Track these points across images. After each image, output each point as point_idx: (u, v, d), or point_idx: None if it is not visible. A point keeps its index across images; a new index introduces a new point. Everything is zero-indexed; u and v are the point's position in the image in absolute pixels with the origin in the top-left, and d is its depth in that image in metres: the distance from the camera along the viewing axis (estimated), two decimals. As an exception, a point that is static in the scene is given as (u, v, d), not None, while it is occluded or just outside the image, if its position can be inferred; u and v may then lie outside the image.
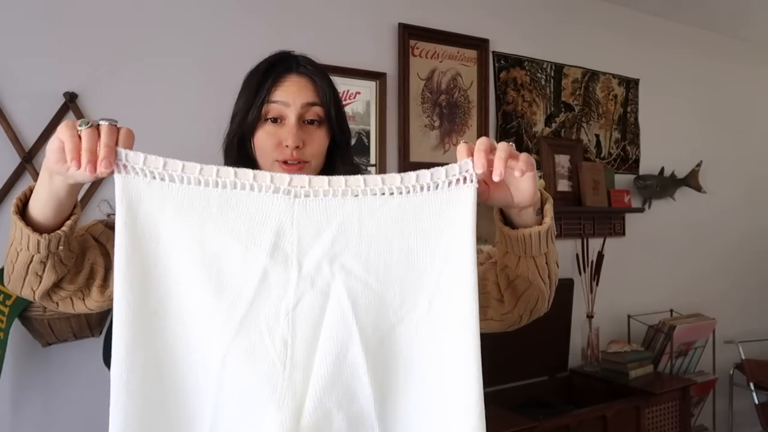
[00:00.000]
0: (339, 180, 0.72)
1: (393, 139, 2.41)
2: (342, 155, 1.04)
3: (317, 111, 0.97)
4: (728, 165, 3.61)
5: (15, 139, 1.74)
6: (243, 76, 1.03)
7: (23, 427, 1.75)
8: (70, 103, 1.81)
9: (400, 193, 0.71)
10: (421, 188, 0.71)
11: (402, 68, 2.42)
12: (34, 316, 1.59)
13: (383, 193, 0.71)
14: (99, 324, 1.71)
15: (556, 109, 2.91)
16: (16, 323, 1.60)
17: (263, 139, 0.97)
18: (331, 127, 0.99)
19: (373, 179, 0.72)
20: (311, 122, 0.97)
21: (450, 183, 0.71)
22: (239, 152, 1.00)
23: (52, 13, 1.81)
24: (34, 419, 1.77)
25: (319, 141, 0.98)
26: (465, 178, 0.72)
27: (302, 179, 0.71)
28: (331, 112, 0.98)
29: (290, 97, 0.95)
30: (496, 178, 0.72)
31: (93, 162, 0.71)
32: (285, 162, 0.95)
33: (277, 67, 0.98)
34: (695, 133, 3.47)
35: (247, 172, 0.71)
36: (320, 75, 0.99)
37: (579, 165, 2.90)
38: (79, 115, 1.83)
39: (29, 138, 1.77)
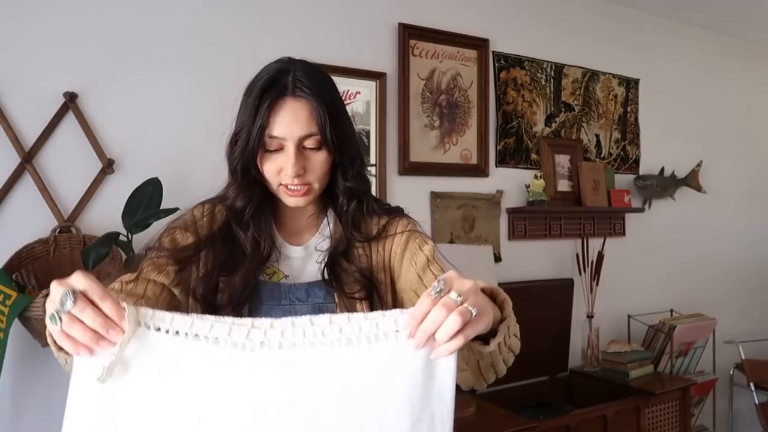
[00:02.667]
0: (290, 332, 0.73)
1: (393, 139, 2.41)
2: (343, 172, 1.03)
3: (314, 139, 0.96)
4: (728, 165, 3.61)
5: (15, 139, 1.74)
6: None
7: (23, 427, 1.75)
8: (70, 103, 1.81)
9: (349, 343, 0.72)
10: (368, 339, 0.72)
11: (402, 68, 2.42)
12: (34, 316, 1.58)
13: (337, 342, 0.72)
14: (99, 324, 1.71)
15: (556, 109, 2.91)
16: (16, 323, 1.60)
17: (266, 166, 0.98)
18: (332, 148, 0.98)
19: (325, 328, 0.72)
20: (311, 147, 0.98)
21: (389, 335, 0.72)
22: (246, 172, 1.00)
23: (52, 13, 1.81)
24: (34, 419, 1.77)
25: (320, 165, 0.98)
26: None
27: (258, 333, 0.72)
28: (329, 136, 0.96)
29: (286, 131, 0.95)
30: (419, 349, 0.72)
31: (98, 340, 0.70)
32: (287, 186, 0.98)
33: (272, 90, 0.96)
34: (695, 133, 3.47)
35: (203, 324, 0.72)
36: (318, 94, 0.96)
37: (579, 165, 2.90)
38: (79, 115, 1.83)
39: (29, 138, 1.78)
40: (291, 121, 0.95)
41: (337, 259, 1.02)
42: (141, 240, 1.75)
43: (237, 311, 0.95)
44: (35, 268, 1.75)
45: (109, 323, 0.68)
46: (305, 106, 0.95)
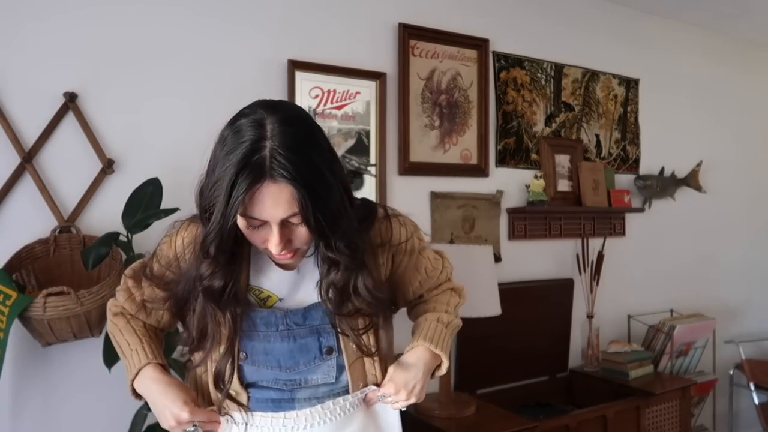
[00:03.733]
0: None
1: (393, 139, 2.41)
2: (327, 244, 0.98)
3: (296, 219, 0.91)
4: (728, 165, 3.61)
5: (15, 139, 1.74)
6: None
7: (23, 426, 1.75)
8: (70, 103, 1.81)
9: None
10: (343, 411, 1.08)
11: (402, 68, 2.42)
12: (34, 316, 1.59)
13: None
14: (99, 324, 1.71)
15: (556, 109, 2.91)
16: (16, 323, 1.60)
17: (248, 235, 0.94)
18: (314, 229, 0.92)
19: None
20: (295, 223, 0.93)
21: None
22: (221, 251, 0.96)
23: (52, 13, 1.81)
24: (34, 419, 1.77)
25: (305, 236, 0.94)
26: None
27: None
28: (311, 219, 0.90)
29: (267, 213, 0.89)
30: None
31: None
32: (274, 254, 0.96)
33: (247, 171, 0.86)
34: (695, 133, 3.47)
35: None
36: (299, 174, 0.86)
37: (579, 165, 2.90)
38: (79, 115, 1.83)
39: (29, 138, 1.78)
40: (271, 206, 0.88)
41: (334, 281, 1.01)
42: (141, 240, 1.75)
43: (231, 347, 1.03)
44: (35, 268, 1.75)
45: None
46: (284, 190, 0.87)
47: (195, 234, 1.03)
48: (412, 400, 1.07)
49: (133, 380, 1.07)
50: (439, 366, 1.12)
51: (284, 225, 0.91)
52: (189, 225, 1.06)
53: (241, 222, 0.91)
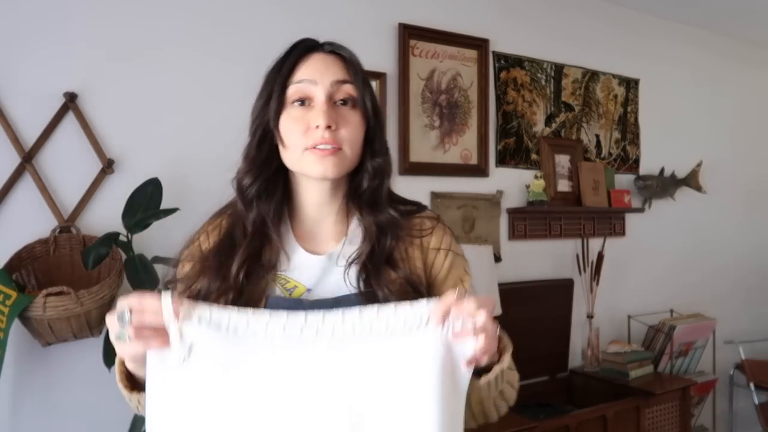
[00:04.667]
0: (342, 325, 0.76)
1: (393, 139, 2.41)
2: (372, 149, 0.91)
3: (349, 90, 0.86)
4: (728, 165, 3.61)
5: (15, 139, 1.74)
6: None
7: (23, 427, 1.75)
8: (70, 103, 1.81)
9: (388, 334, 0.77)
10: (410, 329, 0.76)
11: (402, 68, 2.42)
12: (34, 316, 1.58)
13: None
14: (99, 324, 1.71)
15: (556, 109, 2.91)
16: (16, 323, 1.60)
17: (289, 126, 0.85)
18: (365, 112, 0.88)
19: (364, 324, 0.77)
20: (343, 103, 0.86)
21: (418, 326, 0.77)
22: (262, 153, 0.88)
23: (52, 13, 1.81)
24: (34, 419, 1.77)
25: (354, 124, 0.86)
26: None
27: (311, 331, 0.76)
28: (364, 93, 0.87)
29: (317, 74, 0.84)
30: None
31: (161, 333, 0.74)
32: (315, 147, 0.84)
33: (299, 46, 0.88)
34: (695, 133, 3.47)
35: (259, 321, 0.75)
36: (349, 53, 0.90)
37: (579, 165, 2.90)
38: (79, 115, 1.83)
39: (29, 138, 1.77)
40: (322, 67, 0.86)
41: (374, 269, 0.87)
42: (141, 240, 1.75)
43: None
44: (35, 268, 1.75)
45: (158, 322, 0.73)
46: (338, 58, 0.88)
47: (218, 225, 0.93)
48: (482, 343, 0.73)
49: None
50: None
51: (332, 105, 0.85)
52: (212, 219, 0.96)
53: (283, 118, 0.86)
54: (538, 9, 2.85)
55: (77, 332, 1.67)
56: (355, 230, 0.92)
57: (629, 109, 3.19)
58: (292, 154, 0.86)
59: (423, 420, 0.73)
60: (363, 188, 0.91)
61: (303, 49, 0.88)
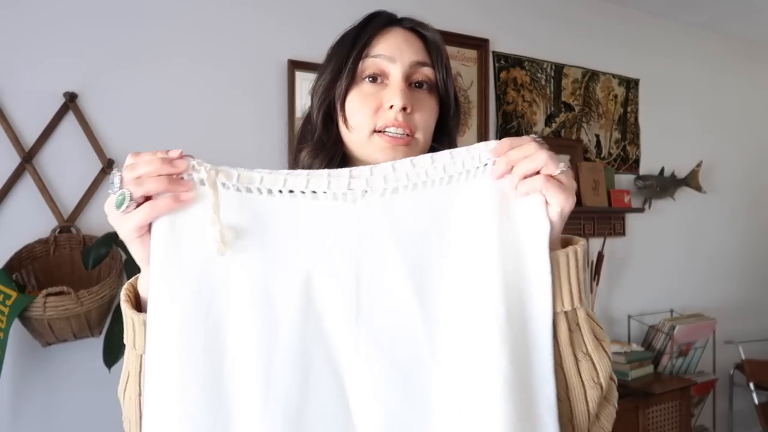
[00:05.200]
0: (400, 168, 0.66)
1: (393, 139, 2.40)
2: (448, 139, 0.83)
3: (428, 73, 0.78)
4: (728, 165, 3.61)
5: (15, 139, 1.74)
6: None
7: (23, 427, 1.75)
8: (70, 103, 1.81)
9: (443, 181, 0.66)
10: (466, 175, 0.66)
11: (402, 68, 2.42)
12: (34, 316, 1.59)
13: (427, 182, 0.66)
14: (99, 324, 1.71)
15: (556, 109, 2.91)
16: (16, 323, 1.60)
17: (357, 103, 0.76)
18: (443, 98, 0.80)
19: (421, 164, 0.66)
20: (419, 86, 0.78)
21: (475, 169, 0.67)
22: (330, 134, 0.79)
23: (52, 12, 1.81)
24: (34, 419, 1.77)
25: (430, 108, 0.78)
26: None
27: (359, 182, 0.65)
28: (444, 78, 0.79)
29: (396, 51, 0.76)
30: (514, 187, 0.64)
31: (176, 184, 0.61)
32: (385, 131, 0.75)
33: (377, 19, 0.80)
34: (695, 133, 3.47)
35: (298, 179, 0.63)
36: (432, 33, 0.81)
37: (579, 165, 2.90)
38: (80, 115, 1.83)
39: (29, 138, 1.77)
40: (402, 44, 0.77)
41: None
42: (141, 240, 1.75)
43: None
44: (35, 268, 1.75)
45: (176, 181, 0.60)
46: (419, 37, 0.80)
47: None
48: (544, 158, 0.63)
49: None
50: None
51: (408, 86, 0.76)
52: None
53: (358, 83, 0.77)
54: (538, 9, 2.85)
55: (77, 332, 1.67)
56: None
57: (629, 109, 3.19)
58: (358, 136, 0.76)
59: (491, 278, 0.62)
60: None
61: (382, 21, 0.79)
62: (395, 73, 0.76)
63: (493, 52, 2.69)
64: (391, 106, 0.74)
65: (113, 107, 1.90)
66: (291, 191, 0.63)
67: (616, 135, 3.14)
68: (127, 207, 0.59)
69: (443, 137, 0.82)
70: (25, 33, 1.78)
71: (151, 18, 1.96)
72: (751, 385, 3.17)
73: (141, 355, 0.63)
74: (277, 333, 0.61)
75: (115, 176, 0.60)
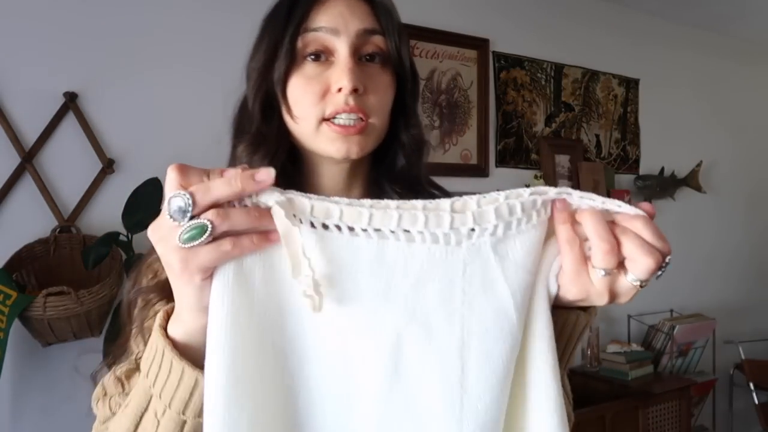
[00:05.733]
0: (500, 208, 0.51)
1: (393, 139, 2.41)
2: (406, 117, 0.72)
3: (379, 42, 0.67)
4: (728, 165, 3.61)
5: (15, 139, 1.74)
6: (242, 76, 0.82)
7: (23, 427, 1.75)
8: (70, 103, 1.81)
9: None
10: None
11: (402, 68, 2.42)
12: (34, 316, 1.59)
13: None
14: (99, 324, 1.71)
15: (556, 109, 2.91)
16: (16, 323, 1.60)
17: (300, 89, 0.65)
18: (398, 71, 0.69)
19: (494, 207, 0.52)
20: (370, 58, 0.67)
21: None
22: (271, 125, 0.68)
23: (52, 12, 1.81)
24: (34, 419, 1.77)
25: (385, 86, 0.67)
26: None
27: (466, 203, 0.51)
28: (398, 46, 0.68)
29: (339, 21, 0.65)
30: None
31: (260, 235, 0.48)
32: (335, 119, 0.64)
33: None
34: (695, 133, 3.47)
35: (388, 209, 0.49)
36: (381, 4, 0.70)
37: (579, 165, 2.90)
38: (80, 115, 1.82)
39: (29, 138, 1.77)
40: (346, 12, 0.66)
41: None
42: (141, 240, 1.75)
43: None
44: (35, 268, 1.75)
45: (263, 214, 0.47)
46: (364, 2, 0.68)
47: None
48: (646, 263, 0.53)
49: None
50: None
51: (358, 63, 0.65)
52: None
53: (299, 64, 0.66)
54: (538, 9, 2.85)
55: (77, 332, 1.67)
56: None
57: (629, 109, 3.19)
58: (305, 127, 0.66)
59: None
60: (398, 166, 0.73)
61: None
62: (341, 48, 0.65)
63: (493, 52, 2.69)
64: (340, 89, 0.64)
65: (113, 107, 1.89)
66: (377, 230, 0.49)
67: (616, 135, 3.14)
68: (199, 242, 0.46)
69: (399, 117, 0.72)
70: (25, 33, 1.78)
71: (152, 18, 1.96)
72: (751, 385, 3.17)
73: (183, 421, 0.52)
74: (355, 411, 0.50)
75: (178, 197, 0.47)
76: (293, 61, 0.66)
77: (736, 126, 3.69)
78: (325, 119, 0.65)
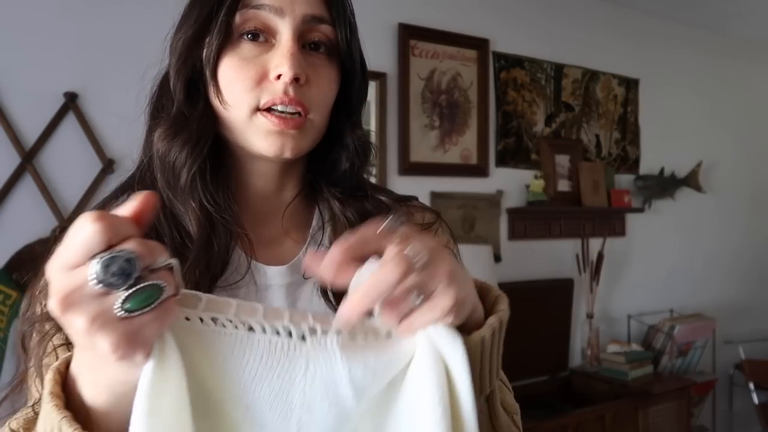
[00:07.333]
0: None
1: (393, 139, 2.41)
2: (352, 117, 0.66)
3: (326, 31, 0.60)
4: (728, 165, 3.61)
5: (15, 139, 1.74)
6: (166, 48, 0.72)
7: (23, 427, 1.75)
8: (70, 103, 1.81)
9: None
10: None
11: (402, 68, 2.42)
12: (34, 316, 1.58)
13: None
14: (99, 324, 1.71)
15: (556, 109, 2.91)
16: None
17: (234, 71, 0.58)
18: (345, 65, 0.63)
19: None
20: (314, 47, 0.60)
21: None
22: (197, 110, 0.60)
23: (52, 13, 1.81)
24: (34, 419, 1.77)
25: (329, 80, 0.61)
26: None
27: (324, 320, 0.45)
28: (348, 38, 0.61)
29: (285, 1, 0.58)
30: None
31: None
32: (271, 109, 0.57)
33: None
34: (695, 133, 3.47)
35: (255, 309, 0.45)
36: None
37: (579, 165, 2.90)
38: (80, 115, 1.82)
39: (29, 138, 1.78)
40: None
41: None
42: (141, 240, 1.75)
43: None
44: (35, 268, 1.75)
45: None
46: None
47: None
48: (449, 300, 0.44)
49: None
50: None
51: (301, 50, 0.59)
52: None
53: (234, 42, 0.58)
54: (538, 9, 2.85)
55: (77, 332, 1.67)
56: (322, 226, 0.66)
57: (629, 109, 3.19)
58: (236, 115, 0.59)
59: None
60: (341, 170, 0.66)
61: None
62: (284, 30, 0.58)
63: (493, 52, 2.69)
64: (279, 76, 0.57)
65: (113, 107, 1.89)
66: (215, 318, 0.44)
67: (616, 135, 3.14)
68: (150, 308, 0.38)
69: (343, 117, 0.65)
70: (25, 33, 1.78)
71: (152, 18, 1.96)
72: (751, 385, 3.17)
73: None
74: None
75: (119, 259, 0.37)
76: (228, 38, 0.58)
77: (736, 126, 3.69)
78: (260, 109, 0.58)
